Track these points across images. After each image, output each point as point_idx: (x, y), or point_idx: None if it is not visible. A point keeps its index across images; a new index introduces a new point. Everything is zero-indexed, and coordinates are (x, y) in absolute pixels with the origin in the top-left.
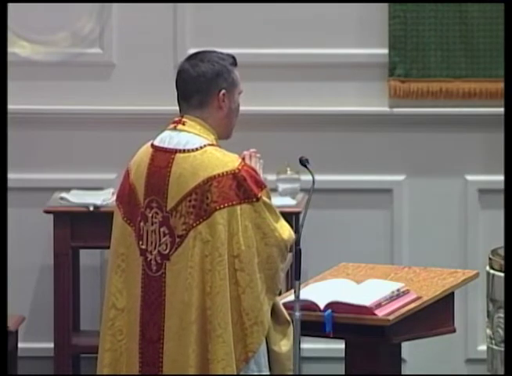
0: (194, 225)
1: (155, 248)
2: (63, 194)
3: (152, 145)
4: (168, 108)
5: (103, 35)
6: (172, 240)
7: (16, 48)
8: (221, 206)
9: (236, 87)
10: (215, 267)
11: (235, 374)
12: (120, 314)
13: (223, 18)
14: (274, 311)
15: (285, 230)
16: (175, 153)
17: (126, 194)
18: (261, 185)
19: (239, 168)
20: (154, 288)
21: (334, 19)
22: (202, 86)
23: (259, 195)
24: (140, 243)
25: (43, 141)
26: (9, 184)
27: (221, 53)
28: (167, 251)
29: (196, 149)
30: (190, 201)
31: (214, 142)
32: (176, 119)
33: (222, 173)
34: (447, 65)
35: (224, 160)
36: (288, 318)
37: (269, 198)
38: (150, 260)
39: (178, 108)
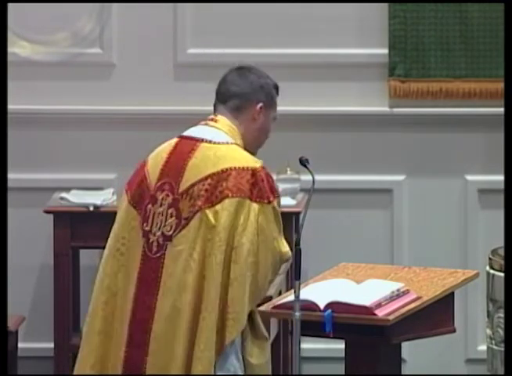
0: (202, 207)
1: (159, 229)
2: (63, 194)
3: (178, 136)
4: (169, 108)
5: (103, 35)
6: (178, 221)
7: (16, 48)
8: (234, 195)
9: (273, 109)
10: (214, 251)
11: (212, 360)
12: (113, 297)
13: (223, 18)
14: (253, 325)
15: (284, 245)
16: (201, 141)
17: (137, 180)
18: (274, 192)
19: (260, 168)
20: (151, 269)
21: (334, 19)
22: (243, 92)
23: (271, 199)
24: (144, 225)
25: (43, 141)
26: (9, 184)
27: (268, 76)
28: (171, 232)
29: (222, 143)
30: (204, 185)
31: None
32: (210, 117)
33: (243, 167)
34: (447, 65)
35: (247, 157)
36: (266, 334)
37: (279, 207)
38: (152, 242)
39: (177, 108)
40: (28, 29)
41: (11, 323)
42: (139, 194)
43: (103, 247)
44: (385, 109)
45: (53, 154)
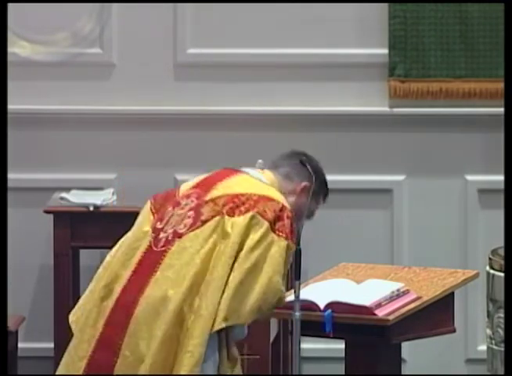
0: (223, 214)
1: (172, 228)
2: (63, 194)
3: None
4: (169, 108)
5: (103, 35)
6: (193, 222)
7: (16, 48)
8: (258, 214)
9: (316, 202)
10: (225, 254)
11: (202, 355)
12: (109, 294)
13: (223, 18)
14: (228, 348)
15: (283, 287)
16: (242, 172)
17: (165, 193)
18: (293, 236)
19: (290, 210)
20: (151, 260)
21: (334, 19)
22: (297, 166)
23: (289, 237)
24: (158, 223)
25: (43, 141)
26: (9, 184)
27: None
28: (184, 230)
29: (262, 181)
30: (232, 199)
31: None
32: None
33: (274, 199)
34: (447, 65)
35: (281, 196)
36: (237, 356)
37: (291, 255)
38: (161, 238)
39: (177, 108)
40: (28, 29)
41: (11, 323)
42: (162, 204)
43: (103, 247)
44: (385, 109)
45: (53, 154)
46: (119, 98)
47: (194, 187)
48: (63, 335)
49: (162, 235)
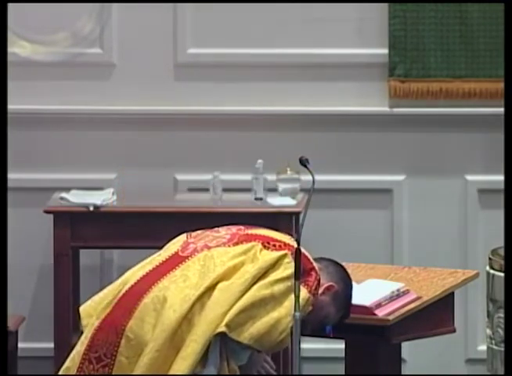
0: (258, 242)
1: (203, 242)
2: (63, 194)
3: None
4: (169, 108)
5: (103, 35)
6: (226, 241)
7: (16, 48)
8: (291, 255)
9: (335, 309)
10: (250, 273)
11: (199, 350)
12: (123, 287)
13: (223, 18)
14: (228, 362)
15: (289, 331)
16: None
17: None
18: (315, 295)
19: (319, 277)
20: (173, 262)
21: (334, 19)
22: (330, 266)
23: (311, 293)
24: (189, 238)
25: (43, 141)
26: (9, 184)
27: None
28: (213, 245)
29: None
30: (271, 240)
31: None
32: None
33: (309, 258)
34: (447, 65)
35: (316, 264)
36: (236, 368)
37: (308, 308)
38: (190, 247)
39: (177, 108)
40: (28, 29)
41: (11, 323)
42: (198, 233)
43: (103, 247)
44: (385, 109)
45: (53, 154)
46: (119, 98)
47: (238, 225)
48: (62, 335)
49: (191, 246)
